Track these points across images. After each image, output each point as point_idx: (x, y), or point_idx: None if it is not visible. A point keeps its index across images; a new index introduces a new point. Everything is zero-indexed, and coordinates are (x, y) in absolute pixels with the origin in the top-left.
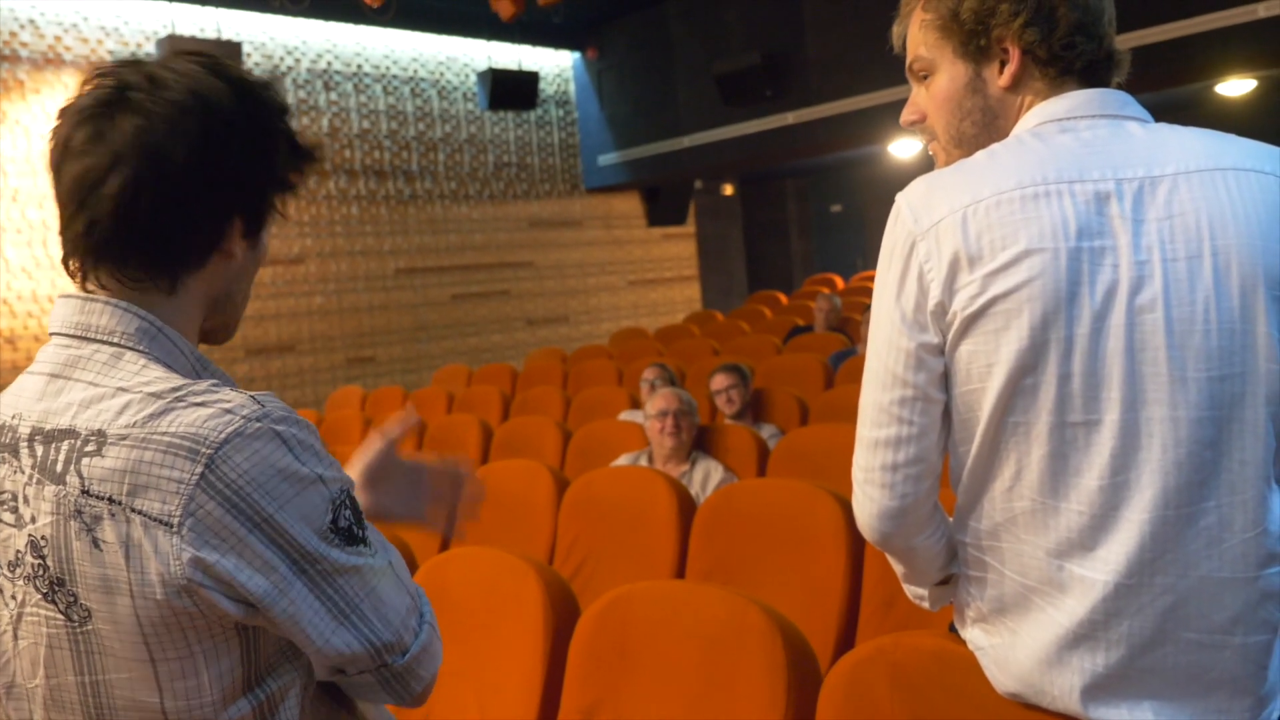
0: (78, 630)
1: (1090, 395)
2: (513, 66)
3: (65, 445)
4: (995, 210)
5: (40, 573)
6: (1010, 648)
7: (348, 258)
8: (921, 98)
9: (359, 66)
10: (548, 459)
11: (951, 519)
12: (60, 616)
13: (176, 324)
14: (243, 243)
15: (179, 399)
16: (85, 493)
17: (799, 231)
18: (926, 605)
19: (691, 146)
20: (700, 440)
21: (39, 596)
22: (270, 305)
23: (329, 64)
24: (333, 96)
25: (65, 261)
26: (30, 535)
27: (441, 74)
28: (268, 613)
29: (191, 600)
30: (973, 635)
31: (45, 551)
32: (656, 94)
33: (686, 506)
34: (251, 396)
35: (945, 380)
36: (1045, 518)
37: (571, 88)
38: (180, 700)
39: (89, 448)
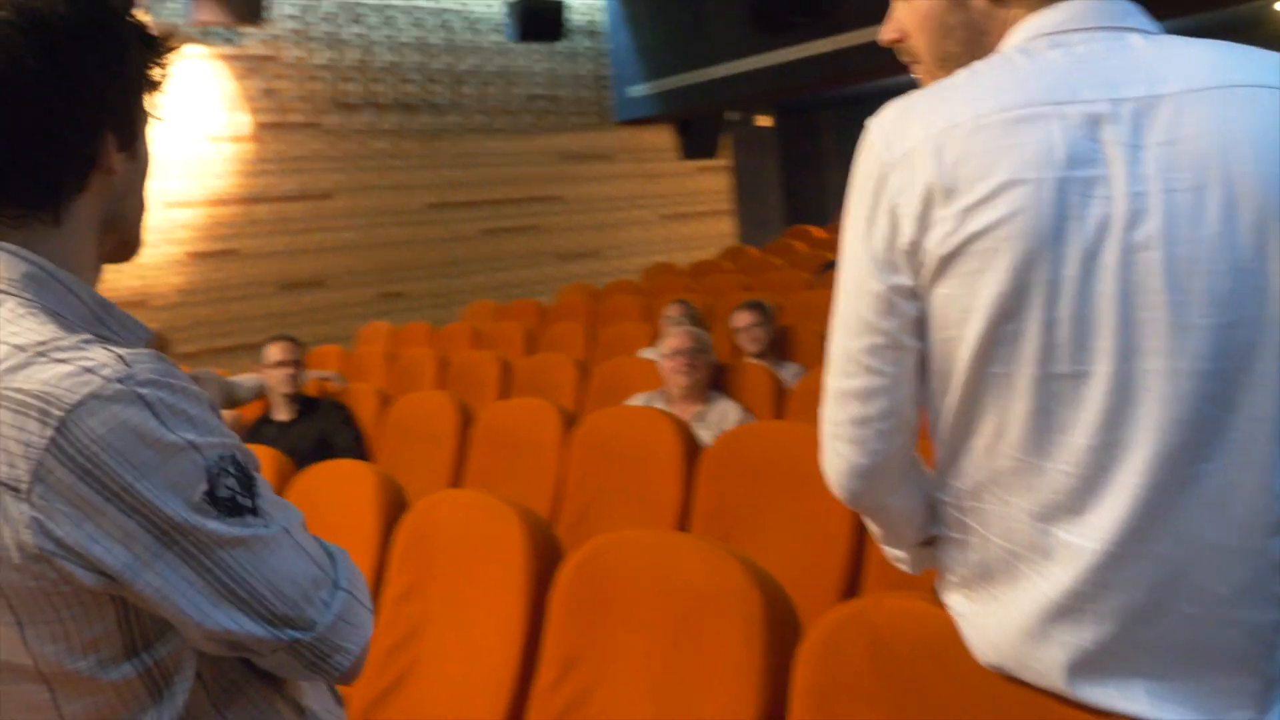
0: None
1: (1078, 344)
2: None
3: None
4: (974, 136)
5: None
6: (991, 616)
7: (377, 192)
8: (902, 13)
9: None
10: (565, 397)
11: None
12: None
13: (70, 260)
14: (120, 156)
15: (41, 353)
16: None
17: (837, 164)
18: (907, 569)
19: (724, 77)
20: (718, 379)
21: None
22: (300, 240)
23: None
24: (359, 29)
25: None
26: None
27: (469, 5)
28: (130, 587)
29: (50, 567)
30: (954, 601)
31: None
32: (688, 22)
33: (692, 449)
34: (119, 355)
35: (920, 326)
36: (1029, 478)
37: (602, 18)
38: (52, 665)
39: None
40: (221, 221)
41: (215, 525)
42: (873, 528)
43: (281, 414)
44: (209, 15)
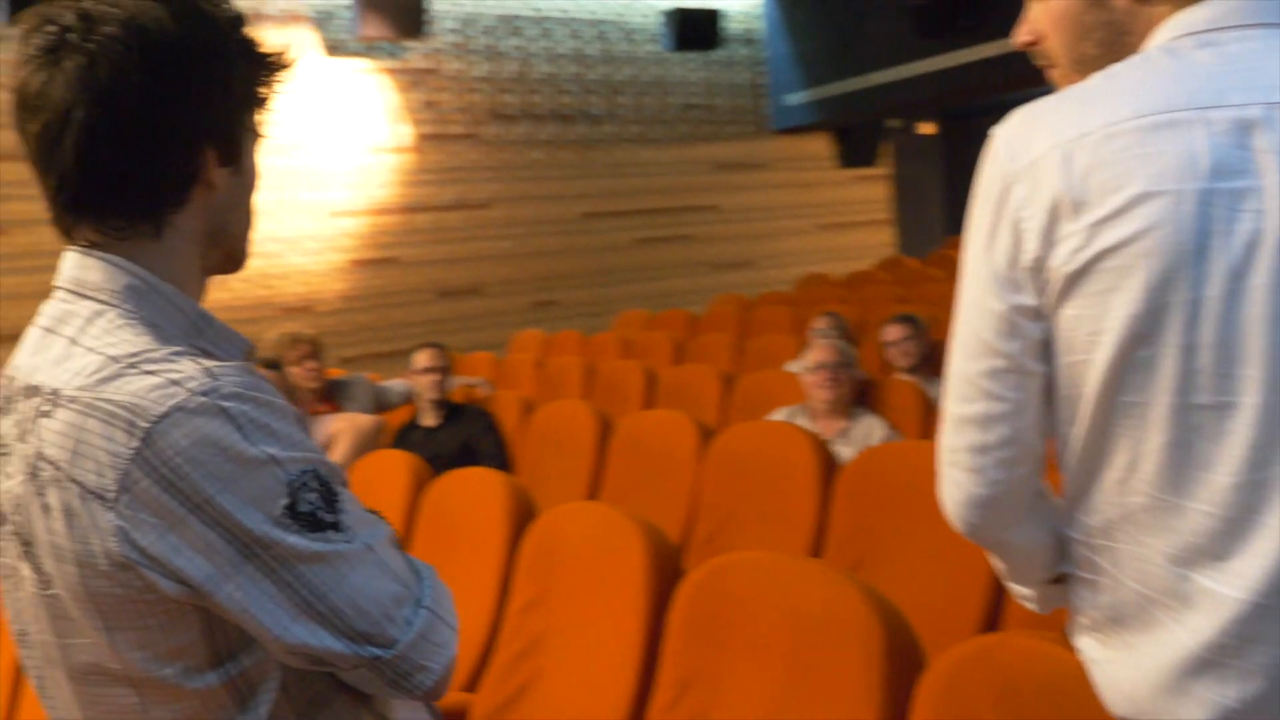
0: (44, 594)
1: (1222, 372)
2: (698, 5)
3: (34, 402)
4: (1106, 144)
5: (18, 531)
6: (1125, 664)
7: (533, 202)
8: (1037, 13)
9: (543, 11)
10: (708, 409)
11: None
12: (34, 576)
13: (173, 272)
14: (222, 171)
15: (132, 364)
16: (40, 455)
17: None
18: (1033, 607)
19: (884, 84)
20: (865, 395)
21: (20, 553)
22: (459, 249)
23: (515, 9)
24: (518, 42)
25: (55, 223)
26: (8, 492)
27: (626, 15)
28: (211, 598)
29: (135, 575)
30: (1085, 645)
31: (18, 511)
32: (848, 28)
33: (829, 468)
34: (206, 368)
35: (1045, 349)
36: (1166, 517)
37: (759, 25)
38: (139, 671)
39: (45, 407)
40: (383, 230)
41: (295, 540)
42: (995, 563)
43: (428, 419)
44: (374, 30)
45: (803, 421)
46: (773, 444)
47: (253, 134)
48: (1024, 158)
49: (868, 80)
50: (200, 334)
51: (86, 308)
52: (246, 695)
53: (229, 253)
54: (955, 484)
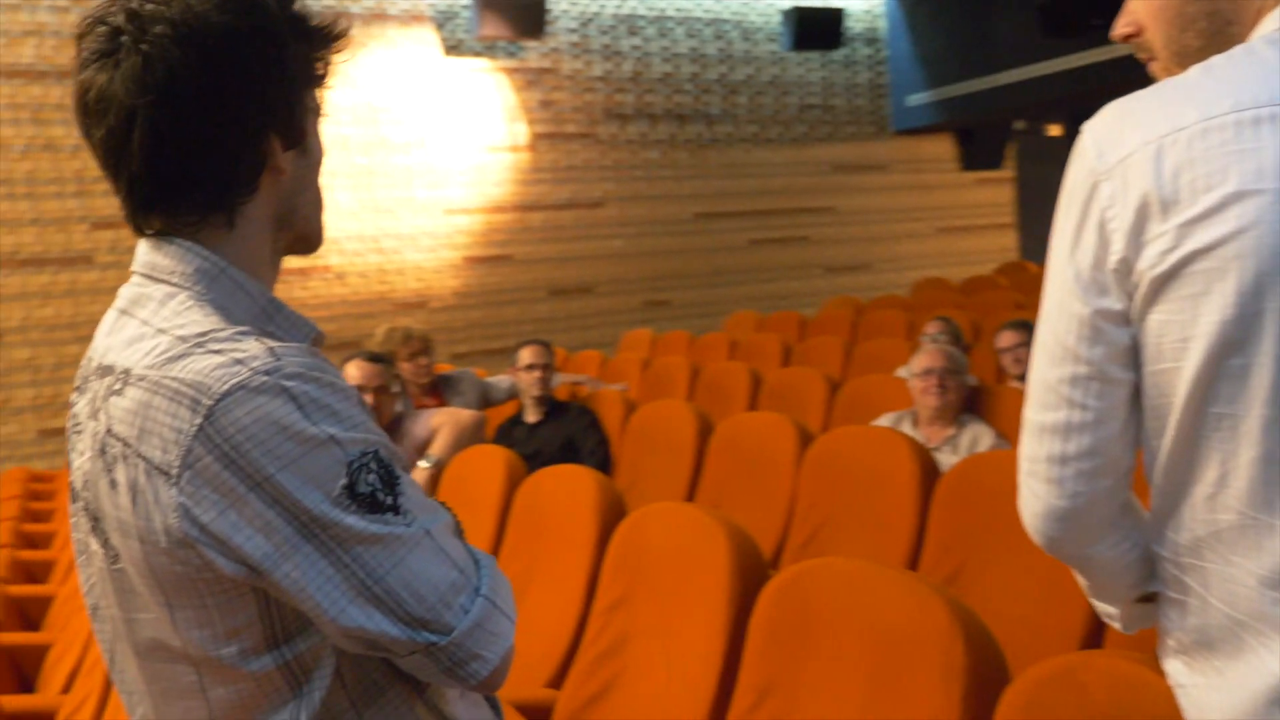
0: (112, 568)
1: None
2: (818, 3)
3: (106, 381)
4: (1200, 140)
5: (87, 507)
6: (1213, 690)
7: (647, 202)
8: (1137, 5)
9: (662, 10)
10: (813, 413)
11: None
12: (103, 551)
13: (244, 259)
14: (288, 155)
15: (199, 344)
16: (109, 432)
17: None
18: (1119, 626)
19: (1010, 84)
20: (973, 402)
21: (90, 529)
22: (571, 248)
23: (634, 9)
24: (636, 41)
25: (128, 222)
26: (79, 468)
27: (745, 15)
28: (269, 577)
29: (194, 553)
30: (1172, 668)
31: (87, 487)
32: (973, 28)
33: (930, 475)
34: (270, 348)
35: (1132, 356)
36: (1258, 537)
37: (881, 24)
38: (198, 650)
39: (116, 386)
40: (497, 228)
41: (353, 520)
42: (1079, 579)
43: (531, 416)
44: (494, 30)
45: (908, 427)
46: (873, 449)
47: (314, 112)
48: (1112, 155)
49: (993, 80)
50: (269, 319)
51: (159, 291)
52: (301, 679)
53: (301, 234)
54: (1034, 495)
